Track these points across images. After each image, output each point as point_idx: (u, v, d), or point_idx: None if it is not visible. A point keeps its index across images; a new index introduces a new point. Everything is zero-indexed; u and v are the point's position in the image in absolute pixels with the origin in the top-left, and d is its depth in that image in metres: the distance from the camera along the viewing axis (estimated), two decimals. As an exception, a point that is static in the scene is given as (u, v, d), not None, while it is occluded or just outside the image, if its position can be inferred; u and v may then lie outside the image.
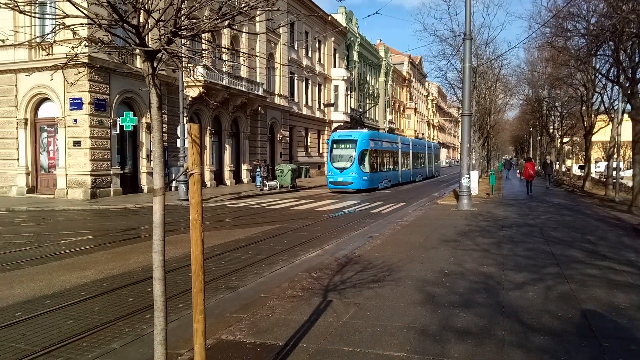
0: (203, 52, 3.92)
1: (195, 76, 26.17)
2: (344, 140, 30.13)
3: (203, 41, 3.62)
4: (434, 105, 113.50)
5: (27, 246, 11.42)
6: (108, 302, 6.97)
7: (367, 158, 29.71)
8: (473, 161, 25.86)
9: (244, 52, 4.43)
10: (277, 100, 39.41)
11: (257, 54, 31.43)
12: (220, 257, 10.00)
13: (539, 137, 55.08)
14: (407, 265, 8.40)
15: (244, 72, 32.97)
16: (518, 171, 46.30)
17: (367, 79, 63.74)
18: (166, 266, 3.43)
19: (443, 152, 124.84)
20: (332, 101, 50.15)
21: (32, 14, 2.90)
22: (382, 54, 69.93)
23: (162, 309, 3.33)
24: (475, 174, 23.39)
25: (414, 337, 5.06)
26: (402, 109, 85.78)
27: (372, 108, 66.50)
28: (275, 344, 4.91)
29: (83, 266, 9.24)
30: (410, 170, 41.23)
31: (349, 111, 52.95)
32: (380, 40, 77.54)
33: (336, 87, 51.15)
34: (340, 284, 7.17)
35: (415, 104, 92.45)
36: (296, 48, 42.88)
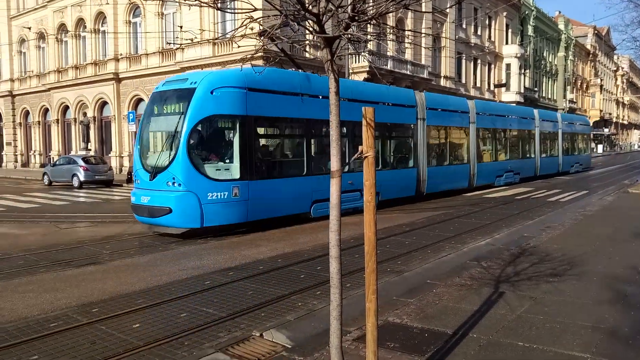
0: (373, 35, 3.93)
1: (365, 58, 26.42)
2: (166, 97, 11.36)
3: (374, 24, 3.62)
4: (625, 81, 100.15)
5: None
6: (282, 277, 7.49)
7: (245, 143, 11.18)
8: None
9: (412, 31, 4.35)
10: (442, 82, 38.25)
11: (423, 34, 30.75)
12: (385, 241, 10.08)
13: None
14: (591, 259, 7.60)
15: (408, 55, 32.57)
16: None
17: (544, 54, 58.63)
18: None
19: (635, 134, 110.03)
20: (504, 81, 47.12)
21: (226, 10, 3.17)
22: (561, 26, 63.78)
23: (337, 285, 3.47)
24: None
25: (600, 338, 4.56)
26: (585, 86, 77.26)
27: (550, 86, 61.11)
28: (443, 331, 4.82)
29: (258, 243, 10.07)
30: (469, 165, 20.14)
31: (522, 91, 49.25)
32: (560, 12, 70.56)
33: (508, 66, 47.94)
34: (513, 275, 6.75)
35: (602, 80, 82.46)
36: (464, 26, 41.05)
